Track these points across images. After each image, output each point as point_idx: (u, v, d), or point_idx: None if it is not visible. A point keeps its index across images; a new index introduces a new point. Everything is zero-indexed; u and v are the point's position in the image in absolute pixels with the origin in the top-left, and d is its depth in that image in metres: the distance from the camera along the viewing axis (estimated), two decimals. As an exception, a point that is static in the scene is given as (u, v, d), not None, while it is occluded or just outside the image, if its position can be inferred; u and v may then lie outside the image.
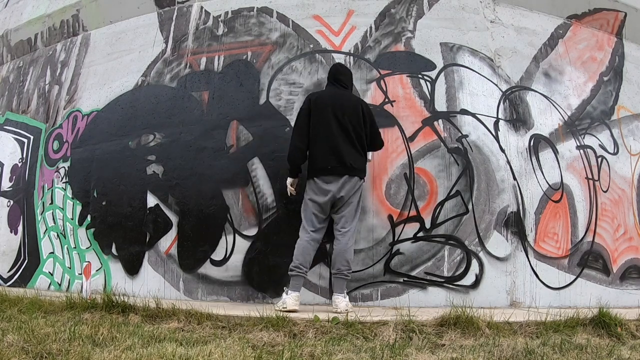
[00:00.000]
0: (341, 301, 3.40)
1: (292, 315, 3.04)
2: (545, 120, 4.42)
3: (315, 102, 3.59)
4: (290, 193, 3.74)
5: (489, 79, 4.35)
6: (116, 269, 4.51)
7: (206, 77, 4.53)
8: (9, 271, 5.45)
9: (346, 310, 3.32)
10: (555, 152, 4.35)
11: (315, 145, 3.54)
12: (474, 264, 3.90)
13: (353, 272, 3.77)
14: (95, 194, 4.72)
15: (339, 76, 3.75)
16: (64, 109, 5.36)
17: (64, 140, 5.21)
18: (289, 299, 3.36)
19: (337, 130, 3.51)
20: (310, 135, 3.55)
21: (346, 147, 3.50)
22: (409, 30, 4.41)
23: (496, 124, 4.20)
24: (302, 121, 3.58)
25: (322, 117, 3.54)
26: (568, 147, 4.44)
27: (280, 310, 3.24)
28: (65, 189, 5.02)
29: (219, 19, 4.73)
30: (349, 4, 4.50)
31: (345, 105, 3.59)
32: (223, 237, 4.13)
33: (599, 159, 4.56)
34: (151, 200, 4.40)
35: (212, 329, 2.93)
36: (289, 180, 3.70)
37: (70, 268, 4.88)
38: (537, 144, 4.30)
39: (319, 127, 3.54)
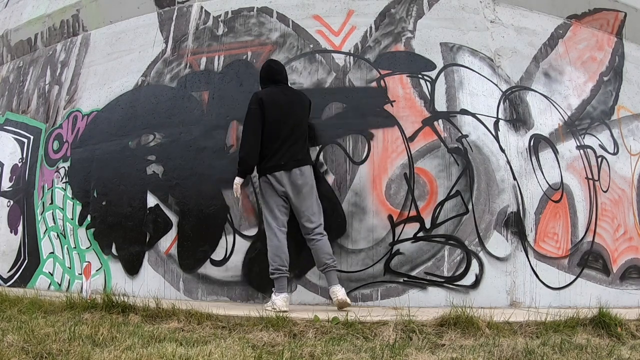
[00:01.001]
0: (340, 289, 3.47)
1: (292, 315, 3.04)
2: (545, 120, 4.42)
3: (266, 101, 3.64)
4: (238, 194, 3.72)
5: (489, 79, 4.35)
6: (116, 269, 4.51)
7: (206, 77, 4.53)
8: (9, 271, 5.45)
9: (344, 298, 3.41)
10: (555, 152, 4.35)
11: (268, 144, 3.61)
12: (474, 264, 3.90)
13: (353, 272, 3.78)
14: (95, 194, 4.72)
15: (277, 76, 3.83)
16: (64, 109, 5.36)
17: (64, 140, 5.21)
18: (279, 300, 3.41)
19: (288, 127, 3.63)
20: (263, 134, 3.62)
21: (296, 142, 3.64)
22: (409, 30, 4.41)
23: (496, 124, 4.20)
24: (257, 121, 3.61)
25: (274, 115, 3.62)
26: (568, 147, 4.43)
27: (272, 310, 3.30)
28: (65, 189, 5.02)
29: (219, 19, 4.73)
30: (349, 4, 4.50)
31: (294, 101, 3.75)
32: (223, 237, 4.13)
33: (599, 159, 4.56)
34: (151, 200, 4.40)
35: (212, 329, 2.93)
36: (239, 180, 3.68)
37: (70, 268, 4.88)
38: (537, 144, 4.30)
39: (272, 126, 3.61)
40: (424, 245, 3.91)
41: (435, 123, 4.10)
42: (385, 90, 4.17)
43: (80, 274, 4.72)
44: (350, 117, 4.12)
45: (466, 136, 4.10)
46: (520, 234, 4.04)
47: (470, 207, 3.97)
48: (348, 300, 3.46)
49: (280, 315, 3.01)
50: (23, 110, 5.89)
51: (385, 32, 4.40)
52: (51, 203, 5.14)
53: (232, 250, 4.09)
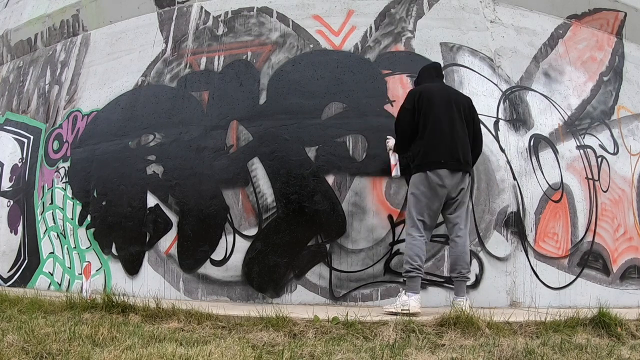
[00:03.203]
0: (464, 305, 3.20)
1: (292, 315, 3.03)
2: (545, 120, 4.42)
3: (426, 95, 3.43)
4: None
5: (489, 79, 4.35)
6: (116, 269, 4.52)
7: (206, 77, 4.53)
8: (9, 271, 5.45)
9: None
10: (555, 152, 4.35)
11: (428, 137, 3.37)
12: (474, 264, 3.89)
13: (353, 272, 3.77)
14: (95, 194, 4.72)
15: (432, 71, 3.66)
16: (64, 109, 5.37)
17: (64, 140, 5.22)
18: (412, 301, 3.22)
19: (452, 123, 3.37)
20: (420, 127, 3.39)
21: (461, 141, 3.38)
22: (409, 30, 4.41)
23: (496, 124, 4.20)
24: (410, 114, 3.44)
25: (436, 109, 3.39)
26: (568, 147, 4.43)
27: (401, 312, 3.15)
28: (65, 189, 5.02)
29: (219, 19, 4.73)
30: (349, 4, 4.50)
31: (459, 98, 3.51)
32: (223, 237, 4.13)
33: (599, 159, 4.56)
34: (151, 200, 4.40)
35: (212, 329, 2.93)
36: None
37: (70, 268, 4.88)
38: (537, 143, 4.30)
39: (433, 118, 3.37)
40: (424, 245, 3.90)
41: (436, 123, 4.09)
42: (386, 90, 4.17)
43: (80, 274, 4.72)
44: (350, 117, 4.13)
45: (466, 136, 4.09)
46: (520, 234, 4.04)
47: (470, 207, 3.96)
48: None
49: (282, 315, 3.00)
50: (23, 110, 5.89)
51: (385, 32, 4.40)
52: (51, 203, 5.14)
53: (232, 250, 4.10)
